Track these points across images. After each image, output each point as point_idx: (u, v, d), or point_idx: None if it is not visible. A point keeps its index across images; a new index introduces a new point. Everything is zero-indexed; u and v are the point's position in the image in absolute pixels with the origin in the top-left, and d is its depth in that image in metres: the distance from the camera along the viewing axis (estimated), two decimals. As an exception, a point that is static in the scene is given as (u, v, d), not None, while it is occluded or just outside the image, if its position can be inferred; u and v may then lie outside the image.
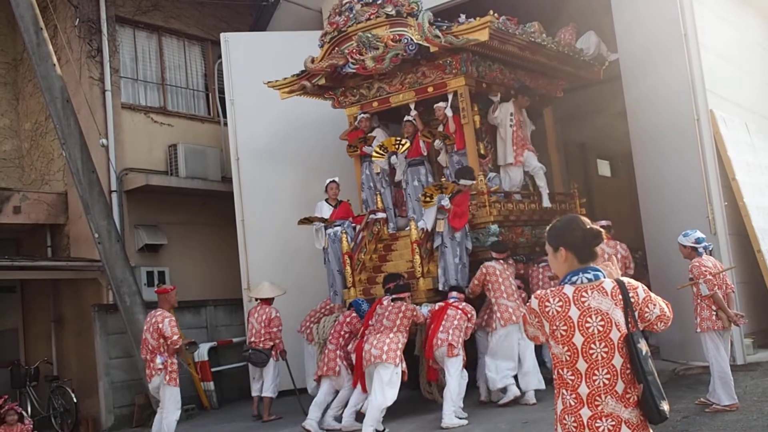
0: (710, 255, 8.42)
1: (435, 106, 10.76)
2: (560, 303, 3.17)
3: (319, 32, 13.85)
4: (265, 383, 10.69)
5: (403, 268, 10.14)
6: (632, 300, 3.18)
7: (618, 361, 3.10)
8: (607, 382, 3.09)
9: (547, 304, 3.19)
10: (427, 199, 9.81)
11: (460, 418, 8.54)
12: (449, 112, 10.55)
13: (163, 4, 14.56)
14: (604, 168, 14.49)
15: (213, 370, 12.54)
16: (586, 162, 12.73)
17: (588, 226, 3.28)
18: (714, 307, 7.86)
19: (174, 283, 12.88)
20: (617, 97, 11.38)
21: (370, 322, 9.11)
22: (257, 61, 13.09)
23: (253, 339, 10.66)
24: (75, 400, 12.38)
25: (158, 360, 8.81)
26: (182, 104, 14.89)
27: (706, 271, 7.88)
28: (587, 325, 3.12)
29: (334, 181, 11.34)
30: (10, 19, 13.38)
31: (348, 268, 10.28)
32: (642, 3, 10.74)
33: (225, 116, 13.78)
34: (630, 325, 3.14)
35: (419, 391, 9.73)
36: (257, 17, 14.53)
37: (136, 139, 13.70)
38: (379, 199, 11.13)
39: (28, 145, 14.48)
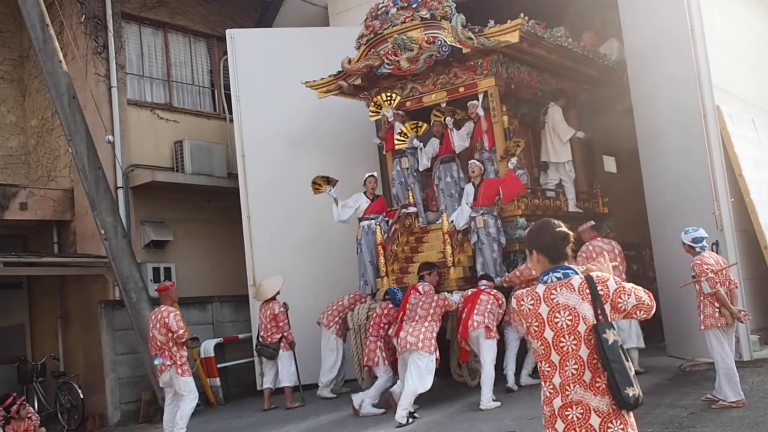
0: (715, 251, 8.39)
1: (468, 103, 11.11)
2: (532, 301, 3.40)
3: (324, 29, 14.04)
4: (281, 373, 10.96)
5: (433, 258, 10.48)
6: (601, 293, 3.34)
7: (584, 351, 3.28)
8: (575, 372, 3.28)
9: (521, 302, 3.44)
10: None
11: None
12: (481, 112, 10.89)
13: (169, 1, 14.61)
14: (610, 164, 14.45)
15: (219, 366, 12.56)
16: (592, 158, 12.69)
17: (557, 229, 3.50)
18: (717, 304, 7.84)
19: (180, 280, 12.95)
20: (623, 93, 11.34)
21: (408, 308, 9.42)
22: (263, 58, 13.11)
23: (262, 334, 11.02)
24: (81, 396, 12.44)
25: (156, 362, 8.97)
26: (188, 101, 14.92)
27: (707, 268, 7.86)
28: (556, 320, 3.34)
29: (372, 176, 11.70)
30: (17, 15, 13.42)
31: (381, 258, 10.66)
32: (648, -1, 10.71)
33: (231, 113, 13.80)
34: (599, 317, 3.30)
35: (449, 379, 10.01)
36: (263, 13, 14.53)
37: (142, 136, 13.73)
38: (410, 194, 11.48)
39: (35, 142, 14.53)
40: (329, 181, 11.30)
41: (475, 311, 9.22)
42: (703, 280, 7.82)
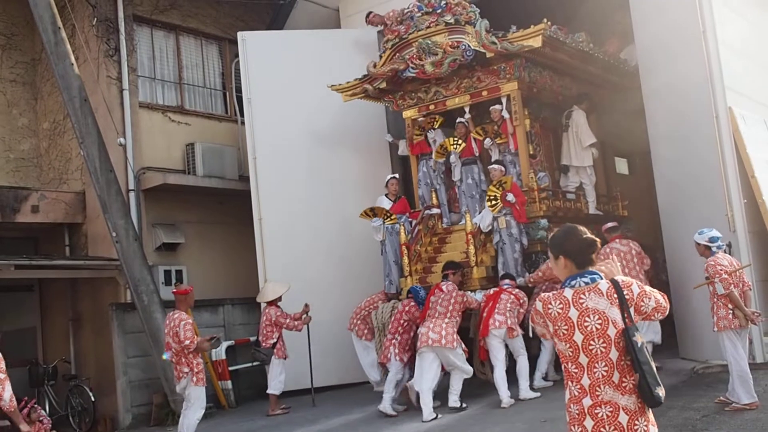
0: (727, 253, 8.35)
1: (491, 108, 11.32)
2: (561, 305, 3.51)
3: (336, 31, 14.07)
4: (269, 379, 11.05)
5: (456, 259, 10.61)
6: (627, 297, 3.48)
7: (614, 354, 3.42)
8: (605, 373, 3.41)
9: (549, 306, 3.54)
10: (493, 202, 10.38)
11: (538, 389, 9.61)
12: (506, 114, 11.11)
13: (180, 3, 14.64)
14: (622, 166, 14.41)
15: (230, 368, 12.57)
16: (604, 160, 12.69)
17: (584, 236, 3.62)
18: (731, 306, 7.79)
19: (191, 282, 12.95)
20: (635, 94, 11.31)
21: (429, 306, 9.61)
22: (274, 60, 13.14)
23: (258, 338, 11.13)
24: (93, 399, 12.46)
25: (164, 356, 9.05)
26: (200, 103, 14.95)
27: (721, 269, 7.82)
28: (585, 324, 3.45)
29: (394, 177, 12.07)
30: (28, 18, 13.47)
31: (405, 258, 10.93)
32: (660, 0, 10.66)
33: (242, 115, 13.82)
34: (627, 321, 3.44)
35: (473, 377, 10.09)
36: (274, 16, 14.56)
37: (153, 138, 13.77)
38: (434, 195, 11.73)
39: (47, 145, 14.59)
40: (375, 213, 11.46)
41: (496, 310, 9.45)
42: (717, 282, 7.78)
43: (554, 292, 3.57)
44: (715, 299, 7.87)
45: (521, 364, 9.53)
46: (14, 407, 7.19)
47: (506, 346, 9.61)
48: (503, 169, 10.91)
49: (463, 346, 9.34)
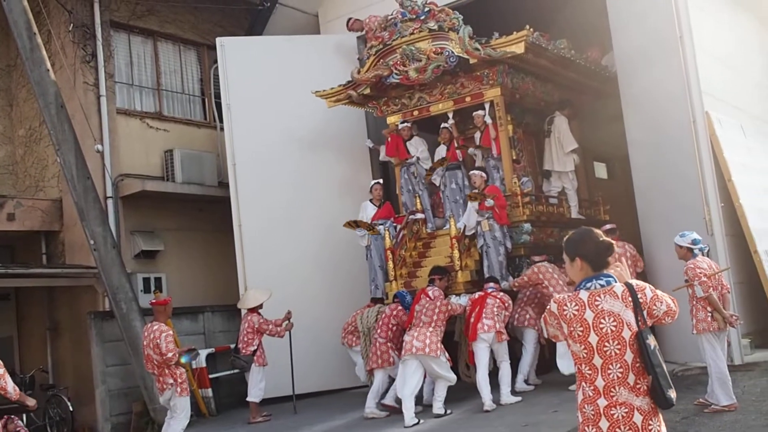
0: (706, 256, 8.41)
1: (474, 113, 11.46)
2: (576, 307, 3.55)
3: (315, 36, 14.07)
4: (249, 387, 10.98)
5: (441, 263, 10.69)
6: (641, 300, 3.54)
7: (629, 356, 3.47)
8: (620, 375, 3.47)
9: (565, 308, 3.57)
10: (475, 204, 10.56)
11: (520, 393, 9.72)
12: (488, 120, 11.23)
13: (158, 9, 14.54)
14: (601, 170, 14.50)
15: (211, 376, 12.48)
16: (583, 164, 12.77)
17: (601, 239, 3.67)
18: (709, 309, 7.85)
19: (171, 290, 12.88)
20: (615, 100, 11.39)
21: (415, 313, 9.65)
22: (253, 66, 13.09)
23: (239, 344, 11.02)
24: (71, 409, 12.30)
25: (184, 360, 9.03)
26: (178, 109, 14.87)
27: (701, 272, 7.88)
28: (601, 325, 3.50)
29: (378, 183, 12.16)
30: (3, 24, 13.35)
31: (390, 263, 10.97)
32: (637, 6, 10.76)
33: (221, 121, 13.76)
34: (640, 324, 3.50)
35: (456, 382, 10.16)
36: (253, 22, 14.51)
37: (131, 145, 13.67)
38: (418, 201, 11.79)
39: (22, 152, 14.44)
40: (358, 225, 11.55)
41: (484, 314, 9.51)
42: (696, 284, 7.84)
43: (569, 293, 3.62)
44: (694, 302, 7.93)
45: (504, 370, 9.56)
46: (19, 393, 7.82)
47: (491, 351, 9.63)
48: (484, 175, 10.95)
49: (447, 355, 9.37)
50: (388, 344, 9.99)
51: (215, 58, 13.72)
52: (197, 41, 15.20)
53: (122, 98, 13.96)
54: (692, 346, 8.41)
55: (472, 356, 9.67)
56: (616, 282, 3.58)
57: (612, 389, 3.46)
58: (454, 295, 10.29)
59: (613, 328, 3.48)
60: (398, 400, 9.66)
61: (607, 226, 10.75)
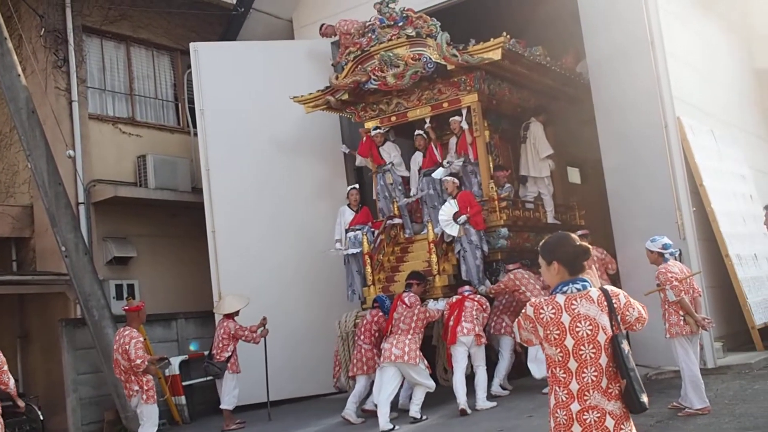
0: (678, 260, 8.48)
1: (451, 119, 11.51)
2: (553, 310, 3.57)
3: (289, 42, 14.05)
4: (222, 395, 10.91)
5: (419, 268, 10.75)
6: (615, 306, 3.59)
7: (604, 360, 3.51)
8: (594, 378, 3.50)
9: (541, 311, 3.59)
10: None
11: (496, 397, 9.81)
12: (465, 125, 11.30)
13: (131, 14, 14.44)
14: (574, 175, 14.58)
15: (184, 383, 12.37)
16: (558, 170, 12.85)
17: (577, 243, 3.71)
18: (682, 313, 7.91)
19: (144, 296, 12.76)
20: (589, 106, 11.47)
21: (393, 320, 9.62)
22: (227, 71, 13.04)
23: (212, 352, 10.93)
24: (42, 418, 12.09)
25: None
26: (151, 114, 14.77)
27: (672, 276, 7.93)
28: (577, 329, 3.53)
29: (354, 188, 12.14)
30: (-26, 29, 13.17)
31: (368, 267, 11.03)
32: (609, 12, 10.84)
33: (195, 126, 13.67)
34: (615, 328, 3.55)
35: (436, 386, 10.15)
36: (227, 27, 14.43)
37: (104, 150, 13.55)
38: (395, 206, 11.80)
39: (-7, 157, 14.26)
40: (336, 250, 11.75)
41: (463, 318, 9.56)
42: (668, 289, 7.89)
43: (546, 297, 3.65)
44: (667, 306, 7.98)
45: (480, 375, 9.58)
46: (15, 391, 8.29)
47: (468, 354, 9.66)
48: (456, 181, 10.99)
49: (426, 362, 9.40)
50: (374, 350, 9.97)
51: (189, 63, 13.65)
52: (170, 46, 15.10)
53: (94, 103, 13.84)
54: (665, 350, 8.45)
55: (451, 359, 9.70)
56: (591, 286, 3.62)
57: (586, 393, 3.49)
58: (432, 300, 10.32)
59: (589, 332, 3.51)
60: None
61: (580, 232, 10.78)
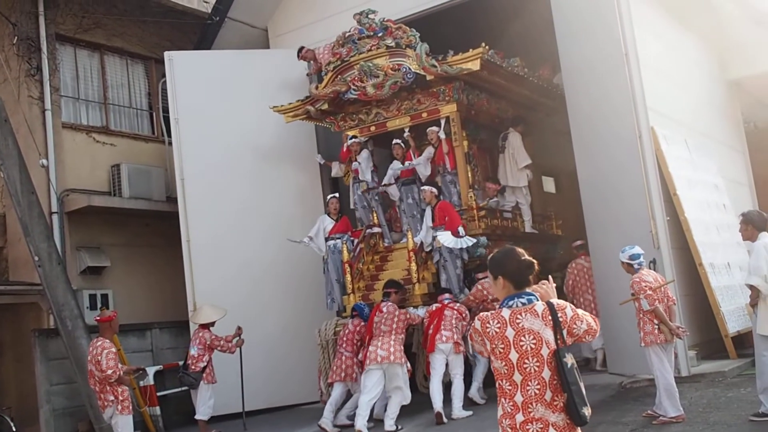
0: (652, 269, 8.54)
1: (428, 129, 11.57)
2: (498, 324, 3.62)
3: (264, 51, 14.02)
4: (197, 405, 10.83)
5: (398, 276, 10.81)
6: (561, 319, 3.63)
7: (547, 373, 3.56)
8: (537, 391, 3.55)
9: (487, 325, 3.65)
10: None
11: (472, 404, 9.78)
12: (443, 135, 11.36)
13: (104, 22, 14.34)
14: (549, 185, 14.66)
15: (159, 394, 12.27)
16: (535, 179, 12.94)
17: (522, 258, 3.74)
18: (656, 321, 7.97)
19: (118, 306, 12.64)
20: (564, 116, 11.55)
21: (373, 326, 9.65)
22: (202, 80, 12.99)
23: (188, 362, 10.86)
24: (14, 429, 11.97)
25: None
26: (125, 123, 14.67)
27: (646, 286, 7.99)
28: (521, 343, 3.58)
29: (334, 197, 12.11)
30: (-55, 37, 13.03)
31: (348, 276, 11.05)
32: (583, 23, 10.92)
33: (169, 135, 13.60)
34: (558, 342, 3.59)
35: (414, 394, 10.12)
36: (201, 36, 14.36)
37: (77, 159, 13.45)
38: (374, 215, 11.87)
39: (-36, 166, 14.06)
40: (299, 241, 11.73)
41: (443, 326, 9.62)
42: (642, 298, 7.94)
43: (493, 311, 3.68)
44: (641, 315, 8.04)
45: (456, 384, 9.60)
46: None
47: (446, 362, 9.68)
48: (434, 190, 11.02)
49: (408, 365, 9.44)
50: (354, 359, 9.98)
51: (163, 72, 13.58)
52: (145, 55, 15.02)
53: (68, 112, 13.73)
54: (640, 358, 8.51)
55: (430, 367, 9.73)
56: (537, 300, 3.66)
57: (530, 405, 3.53)
58: (411, 308, 10.32)
59: (533, 346, 3.56)
60: (351, 417, 9.65)
61: (577, 242, 11.29)
